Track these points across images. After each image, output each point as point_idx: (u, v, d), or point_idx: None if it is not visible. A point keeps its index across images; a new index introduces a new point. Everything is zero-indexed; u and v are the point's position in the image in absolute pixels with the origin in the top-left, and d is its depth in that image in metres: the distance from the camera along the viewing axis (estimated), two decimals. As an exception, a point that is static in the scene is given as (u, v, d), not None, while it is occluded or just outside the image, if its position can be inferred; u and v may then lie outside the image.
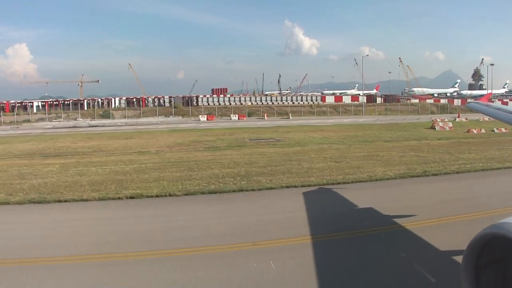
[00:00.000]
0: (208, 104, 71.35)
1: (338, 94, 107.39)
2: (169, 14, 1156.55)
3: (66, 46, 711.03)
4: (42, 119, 57.78)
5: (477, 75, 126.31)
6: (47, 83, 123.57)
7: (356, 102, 77.80)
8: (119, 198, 12.86)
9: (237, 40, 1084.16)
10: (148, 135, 35.21)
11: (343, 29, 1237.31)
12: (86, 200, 12.68)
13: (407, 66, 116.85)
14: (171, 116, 63.11)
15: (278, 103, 75.66)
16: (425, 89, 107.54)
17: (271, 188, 13.92)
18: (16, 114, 57.16)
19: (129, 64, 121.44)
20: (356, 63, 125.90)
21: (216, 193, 13.42)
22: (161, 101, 73.83)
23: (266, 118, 59.55)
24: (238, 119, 57.94)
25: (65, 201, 12.57)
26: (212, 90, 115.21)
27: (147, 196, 12.97)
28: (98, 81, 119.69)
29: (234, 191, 13.62)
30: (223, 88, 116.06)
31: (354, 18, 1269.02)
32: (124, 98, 73.88)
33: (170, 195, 13.08)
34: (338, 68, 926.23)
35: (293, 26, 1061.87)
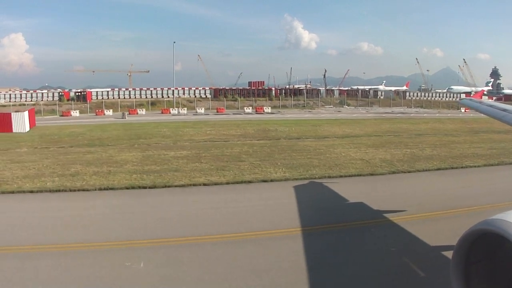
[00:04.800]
0: (405, 98, 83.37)
1: (367, 89, 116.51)
2: (166, 5, 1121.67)
3: (62, 37, 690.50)
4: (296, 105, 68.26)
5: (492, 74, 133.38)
6: (93, 71, 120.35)
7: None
8: None
9: (235, 34, 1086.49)
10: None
11: (341, 24, 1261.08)
12: None
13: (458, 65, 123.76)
14: (419, 108, 71.44)
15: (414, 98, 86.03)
16: (460, 87, 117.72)
17: None
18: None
19: (198, 55, 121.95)
20: (418, 62, 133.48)
21: None
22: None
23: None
24: None
25: None
26: (249, 83, 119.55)
27: None
28: (148, 71, 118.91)
29: None
30: (261, 81, 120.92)
31: (352, 13, 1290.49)
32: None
33: None
34: (336, 63, 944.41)
35: (292, 20, 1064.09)
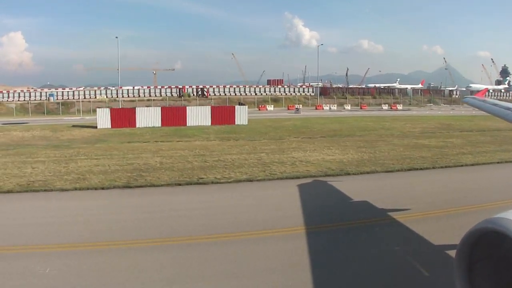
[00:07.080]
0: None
1: (382, 87, 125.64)
2: (166, 5, 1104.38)
3: (61, 35, 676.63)
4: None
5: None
6: (117, 69, 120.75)
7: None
8: None
9: (236, 33, 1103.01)
10: None
11: (342, 22, 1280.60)
12: None
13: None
14: None
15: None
16: (479, 85, 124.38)
17: None
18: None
19: (232, 54, 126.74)
20: (445, 61, 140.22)
21: None
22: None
23: None
24: None
25: None
26: (268, 81, 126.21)
27: None
28: (173, 69, 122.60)
29: None
30: (279, 79, 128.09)
31: (353, 10, 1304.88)
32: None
33: None
34: (337, 61, 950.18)
35: (292, 18, 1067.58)
